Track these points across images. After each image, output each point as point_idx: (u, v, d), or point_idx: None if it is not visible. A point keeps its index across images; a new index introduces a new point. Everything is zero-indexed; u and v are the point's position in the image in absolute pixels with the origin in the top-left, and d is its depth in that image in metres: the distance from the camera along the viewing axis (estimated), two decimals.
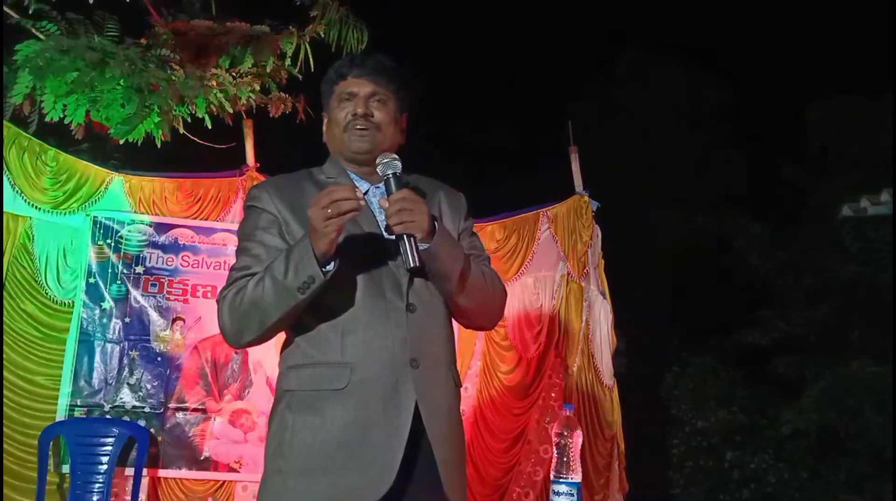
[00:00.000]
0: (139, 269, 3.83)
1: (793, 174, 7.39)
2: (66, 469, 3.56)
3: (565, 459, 1.69)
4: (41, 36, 3.42)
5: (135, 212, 3.87)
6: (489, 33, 12.00)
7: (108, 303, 3.76)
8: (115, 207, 3.85)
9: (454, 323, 1.80)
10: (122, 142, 3.68)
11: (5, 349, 3.53)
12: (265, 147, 4.11)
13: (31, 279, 3.66)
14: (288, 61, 3.85)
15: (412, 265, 1.59)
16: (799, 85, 9.03)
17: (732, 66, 10.36)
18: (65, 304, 3.73)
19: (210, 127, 3.78)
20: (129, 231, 3.83)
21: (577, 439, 1.71)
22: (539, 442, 4.31)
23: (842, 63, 9.02)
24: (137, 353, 3.77)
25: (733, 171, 10.39)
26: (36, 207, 3.68)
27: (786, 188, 7.54)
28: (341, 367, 1.61)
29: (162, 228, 3.89)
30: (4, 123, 3.53)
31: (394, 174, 1.63)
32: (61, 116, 3.48)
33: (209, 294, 3.85)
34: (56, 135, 3.88)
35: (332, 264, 1.55)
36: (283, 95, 3.96)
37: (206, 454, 3.76)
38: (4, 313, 3.55)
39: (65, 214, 3.75)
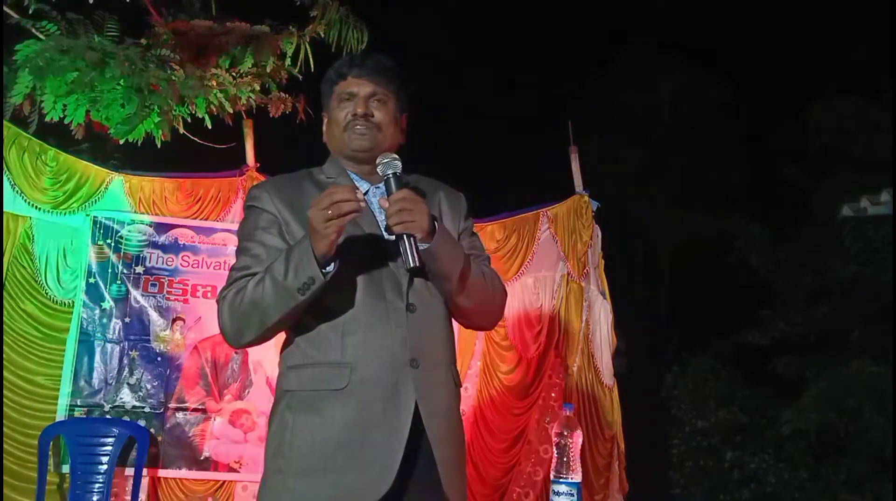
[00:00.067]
0: (139, 269, 3.83)
1: (793, 174, 7.39)
2: (66, 469, 3.56)
3: (565, 459, 1.69)
4: (41, 36, 3.42)
5: (135, 212, 3.87)
6: (489, 33, 12.01)
7: (108, 303, 3.76)
8: (115, 207, 3.85)
9: (454, 323, 1.80)
10: (122, 142, 3.68)
11: (5, 349, 3.53)
12: (265, 147, 4.11)
13: (31, 279, 3.66)
14: (288, 61, 3.85)
15: (412, 265, 1.59)
16: (799, 85, 9.04)
17: (732, 66, 10.37)
18: (65, 304, 3.73)
19: (210, 127, 3.78)
20: (129, 231, 3.83)
21: (577, 439, 1.71)
22: (539, 442, 4.31)
23: (842, 63, 9.03)
24: (137, 353, 3.77)
25: (733, 171, 10.39)
26: (36, 207, 3.68)
27: (786, 188, 7.54)
28: (341, 367, 1.61)
29: (162, 228, 3.89)
30: (4, 123, 3.53)
31: (394, 174, 1.63)
32: (61, 116, 3.48)
33: (209, 294, 3.85)
34: (56, 135, 3.88)
35: (332, 265, 1.55)
36: (283, 95, 3.96)
37: (206, 454, 3.76)
38: (4, 313, 3.55)
39: (65, 214, 3.75)
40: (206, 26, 3.59)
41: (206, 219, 3.96)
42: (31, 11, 3.40)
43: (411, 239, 1.59)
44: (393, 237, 1.63)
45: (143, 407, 3.74)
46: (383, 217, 1.63)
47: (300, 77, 3.91)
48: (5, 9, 3.39)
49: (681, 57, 10.43)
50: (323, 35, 3.81)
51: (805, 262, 6.62)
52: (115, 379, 3.72)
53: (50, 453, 3.49)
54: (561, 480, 1.68)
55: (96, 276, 3.76)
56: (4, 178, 3.58)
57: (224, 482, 3.78)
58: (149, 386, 3.76)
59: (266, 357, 3.81)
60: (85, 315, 3.73)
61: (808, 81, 9.00)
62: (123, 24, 3.57)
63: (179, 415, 3.77)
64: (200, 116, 3.71)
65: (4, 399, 3.51)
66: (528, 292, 4.43)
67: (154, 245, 3.86)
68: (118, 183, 3.88)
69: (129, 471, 3.62)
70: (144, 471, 3.62)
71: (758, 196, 9.16)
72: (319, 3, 3.78)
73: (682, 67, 10.47)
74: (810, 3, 9.82)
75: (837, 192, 6.17)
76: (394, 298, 1.65)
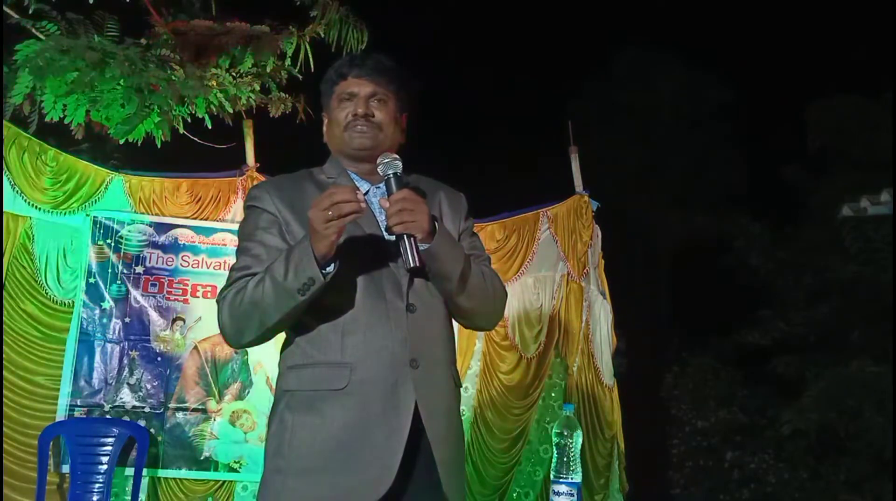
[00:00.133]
0: (139, 269, 3.83)
1: (793, 174, 7.40)
2: (66, 469, 3.55)
3: (565, 459, 1.69)
4: (41, 36, 3.42)
5: (135, 212, 3.88)
6: (489, 33, 12.00)
7: (108, 303, 3.76)
8: (115, 207, 3.85)
9: (454, 323, 1.80)
10: (121, 142, 3.68)
11: (5, 349, 3.53)
12: (265, 147, 4.11)
13: (31, 279, 3.66)
14: (288, 61, 3.85)
15: (412, 265, 1.59)
16: (799, 85, 9.04)
17: (732, 66, 10.36)
18: (65, 304, 3.73)
19: (210, 127, 3.78)
20: (129, 231, 3.83)
21: (577, 439, 1.71)
22: (539, 442, 4.32)
23: (842, 63, 9.03)
24: (137, 353, 3.77)
25: (733, 171, 10.38)
26: (36, 207, 3.68)
27: (786, 188, 7.54)
28: (341, 367, 1.61)
29: (162, 228, 3.89)
30: (4, 123, 3.54)
31: (394, 174, 1.63)
32: (61, 116, 3.48)
33: (209, 294, 3.85)
34: (56, 135, 3.88)
35: (333, 265, 1.55)
36: (283, 95, 3.96)
37: (206, 454, 3.76)
38: (4, 313, 3.55)
39: (65, 214, 3.75)
40: (206, 26, 3.59)
41: (206, 219, 3.97)
42: (31, 11, 3.40)
43: (412, 239, 1.59)
44: (393, 238, 1.63)
45: (143, 407, 3.74)
46: (384, 217, 1.63)
47: (300, 77, 3.91)
48: (5, 9, 3.39)
49: (681, 57, 10.42)
50: (323, 35, 3.81)
51: (805, 262, 6.62)
52: (115, 379, 3.72)
53: (50, 453, 3.49)
54: (561, 480, 1.68)
55: (96, 276, 3.77)
56: (4, 178, 3.58)
57: (224, 482, 3.79)
58: (149, 386, 3.76)
59: (266, 357, 3.81)
60: (85, 315, 3.73)
61: (808, 81, 9.00)
62: (123, 24, 3.57)
63: (179, 415, 3.77)
64: (200, 116, 3.71)
65: (4, 399, 3.51)
66: (528, 292, 4.43)
67: (154, 245, 3.86)
68: (118, 183, 3.88)
69: (129, 471, 3.62)
70: (144, 471, 3.62)
71: (758, 196, 9.16)
72: (319, 3, 3.78)
73: (682, 67, 10.46)
74: (810, 3, 9.82)
75: (837, 192, 6.17)
76: (394, 298, 1.65)
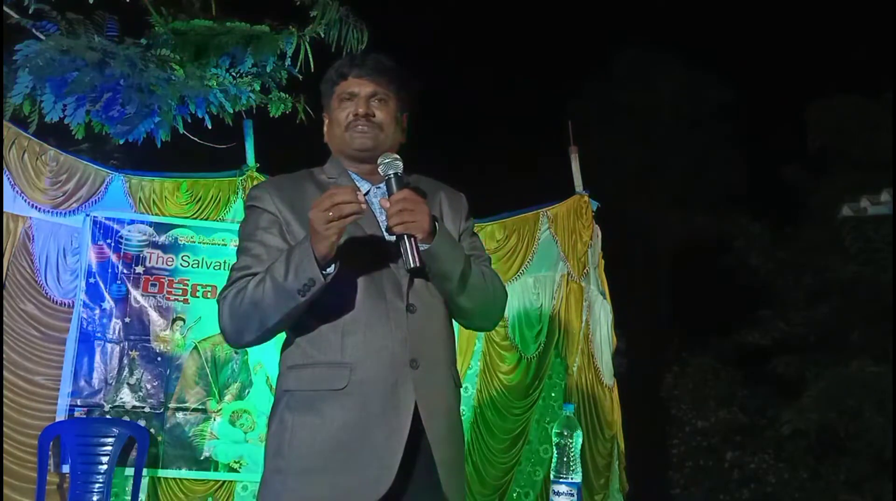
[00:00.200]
0: (139, 269, 3.83)
1: (793, 174, 7.40)
2: (66, 469, 3.56)
3: (565, 459, 1.69)
4: (41, 36, 3.42)
5: (135, 212, 3.88)
6: (489, 33, 12.00)
7: (108, 303, 3.76)
8: (115, 207, 3.86)
9: (454, 323, 1.80)
10: (121, 142, 3.68)
11: (5, 349, 3.53)
12: (265, 147, 4.11)
13: (31, 279, 3.67)
14: (288, 61, 3.85)
15: (413, 266, 1.59)
16: (799, 85, 9.04)
17: (732, 66, 10.36)
18: (65, 304, 3.73)
19: (210, 127, 3.78)
20: (129, 231, 3.83)
21: (577, 439, 1.71)
22: (539, 442, 4.32)
23: (842, 63, 9.03)
24: (137, 353, 3.77)
25: (733, 171, 10.38)
26: (36, 207, 3.69)
27: (786, 188, 7.54)
28: (341, 367, 1.61)
29: (162, 228, 3.89)
30: (4, 123, 3.53)
31: (395, 174, 1.63)
32: (61, 116, 3.47)
33: (209, 294, 3.85)
34: (56, 135, 3.88)
35: (333, 266, 1.55)
36: (283, 95, 3.96)
37: (206, 454, 3.76)
38: (4, 313, 3.55)
39: (65, 214, 3.76)
40: (206, 26, 3.59)
41: (207, 219, 3.97)
42: (31, 11, 3.39)
43: (412, 239, 1.59)
44: (393, 238, 1.63)
45: (143, 407, 3.74)
46: (384, 218, 1.63)
47: (300, 77, 3.91)
48: (5, 9, 3.39)
49: (681, 57, 10.42)
50: (323, 35, 3.81)
51: (805, 262, 6.63)
52: (115, 379, 3.72)
53: (50, 453, 3.49)
54: (561, 480, 1.68)
55: (96, 276, 3.77)
56: (4, 178, 3.58)
57: (224, 482, 3.79)
58: (149, 386, 3.76)
59: (266, 357, 3.81)
60: (85, 315, 3.73)
61: (808, 81, 9.00)
62: (123, 24, 3.57)
63: (179, 415, 3.77)
64: (200, 116, 3.71)
65: (4, 399, 3.51)
66: (528, 292, 4.43)
67: (154, 245, 3.86)
68: (118, 183, 3.89)
69: (129, 471, 3.62)
70: (144, 471, 3.62)
71: (758, 196, 9.16)
72: (319, 3, 3.78)
73: (682, 67, 10.46)
74: (810, 3, 9.82)
75: (837, 192, 6.17)
76: (394, 298, 1.65)
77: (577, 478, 1.69)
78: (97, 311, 3.75)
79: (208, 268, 3.91)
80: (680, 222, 10.32)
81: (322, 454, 1.58)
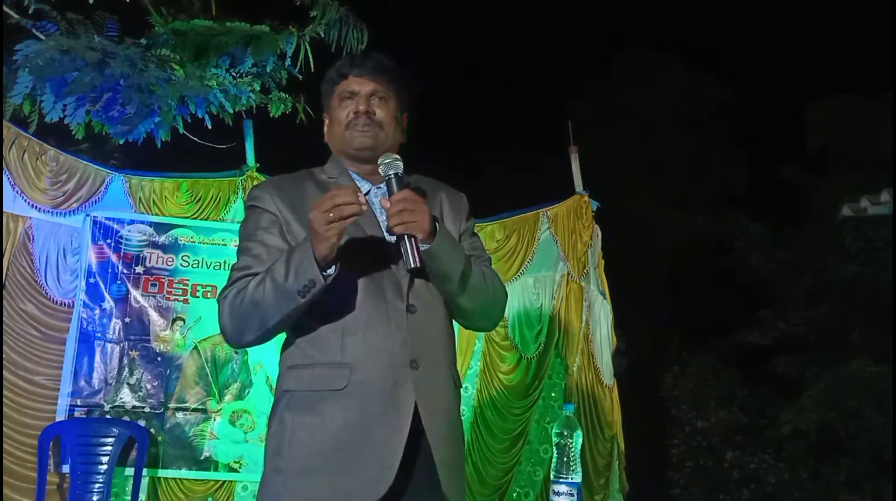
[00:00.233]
0: (139, 269, 3.83)
1: (793, 174, 7.40)
2: (66, 469, 3.56)
3: (565, 459, 1.69)
4: (41, 36, 3.42)
5: (135, 212, 3.88)
6: (489, 33, 12.00)
7: (108, 303, 3.77)
8: (115, 207, 3.86)
9: (454, 323, 1.80)
10: (121, 142, 3.68)
11: (5, 349, 3.53)
12: (265, 147, 4.11)
13: (31, 279, 3.67)
14: (288, 61, 3.85)
15: (413, 266, 1.59)
16: (799, 85, 9.03)
17: (732, 66, 10.36)
18: (65, 304, 3.73)
19: (210, 127, 3.78)
20: (129, 231, 3.83)
21: (577, 439, 1.71)
22: (539, 442, 4.32)
23: (842, 63, 9.03)
24: (137, 353, 3.77)
25: (733, 171, 10.37)
26: (36, 207, 3.69)
27: (786, 188, 7.54)
28: (341, 367, 1.61)
29: (162, 228, 3.89)
30: (4, 123, 3.53)
31: (395, 175, 1.63)
32: (61, 116, 3.47)
33: (209, 294, 3.85)
34: (56, 135, 3.88)
35: (333, 268, 1.55)
36: (283, 95, 3.95)
37: (206, 454, 3.76)
38: (4, 313, 3.55)
39: (65, 214, 3.76)
40: (206, 26, 3.59)
41: (207, 219, 3.97)
42: (31, 11, 3.39)
43: (412, 240, 1.59)
44: (394, 238, 1.63)
45: (143, 407, 3.74)
46: (384, 218, 1.63)
47: (300, 77, 3.91)
48: (5, 9, 3.39)
49: (681, 57, 10.42)
50: (323, 35, 3.81)
51: (805, 262, 6.63)
52: (115, 379, 3.72)
53: (50, 453, 3.49)
54: (561, 480, 1.68)
55: (96, 276, 3.77)
56: (4, 178, 3.58)
57: (224, 482, 3.79)
58: (149, 386, 3.76)
59: (266, 357, 3.81)
60: (85, 315, 3.73)
61: (808, 81, 9.00)
62: (123, 24, 3.56)
63: (179, 415, 3.77)
64: (200, 116, 3.71)
65: (4, 399, 3.51)
66: (528, 292, 4.44)
67: (154, 245, 3.86)
68: (118, 183, 3.89)
69: (129, 471, 3.62)
70: (144, 471, 3.62)
71: (758, 196, 9.16)
72: (319, 3, 3.77)
73: (682, 67, 10.46)
74: (810, 3, 9.82)
75: (837, 192, 6.17)
76: (394, 298, 1.65)
77: (577, 478, 1.69)
78: (97, 311, 3.75)
79: (208, 268, 3.91)
80: (680, 222, 10.32)
81: (322, 454, 1.58)
